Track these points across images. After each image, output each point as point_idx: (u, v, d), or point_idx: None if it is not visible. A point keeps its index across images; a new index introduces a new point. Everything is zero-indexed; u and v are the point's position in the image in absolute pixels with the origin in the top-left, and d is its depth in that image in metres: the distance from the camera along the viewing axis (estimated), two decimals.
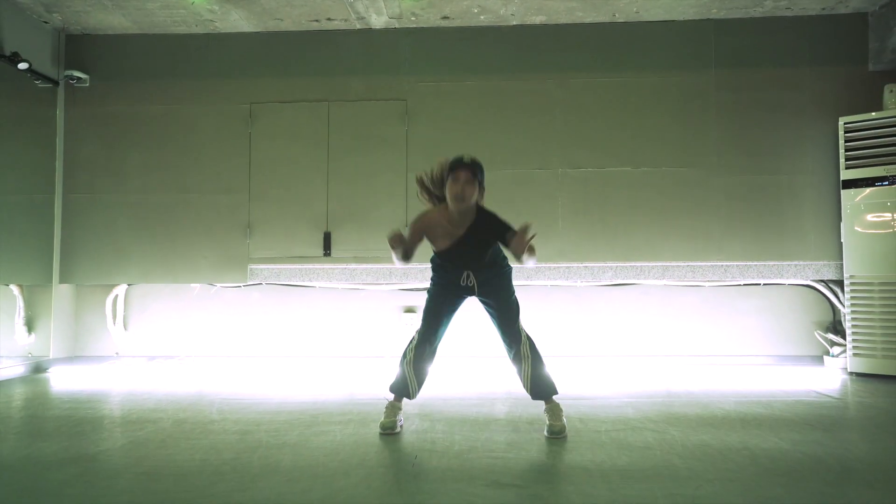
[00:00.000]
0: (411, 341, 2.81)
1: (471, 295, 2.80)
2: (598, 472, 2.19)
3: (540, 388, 2.73)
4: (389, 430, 2.71)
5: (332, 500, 1.95)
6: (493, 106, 4.82)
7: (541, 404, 2.81)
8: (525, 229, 2.49)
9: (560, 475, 2.18)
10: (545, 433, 2.65)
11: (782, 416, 3.05)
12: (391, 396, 2.83)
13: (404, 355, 2.80)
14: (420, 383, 2.80)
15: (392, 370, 2.90)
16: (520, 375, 2.75)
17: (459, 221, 2.65)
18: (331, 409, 3.30)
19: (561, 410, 2.72)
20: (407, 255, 2.70)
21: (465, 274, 2.73)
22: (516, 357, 2.75)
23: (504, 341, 2.79)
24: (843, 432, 2.75)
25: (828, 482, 2.08)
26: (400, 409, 2.82)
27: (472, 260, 2.72)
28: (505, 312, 2.77)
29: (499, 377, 4.22)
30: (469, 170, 2.60)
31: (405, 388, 2.79)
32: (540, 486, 2.08)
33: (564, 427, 2.65)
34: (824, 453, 2.40)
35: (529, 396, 2.79)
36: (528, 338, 2.77)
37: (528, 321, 4.90)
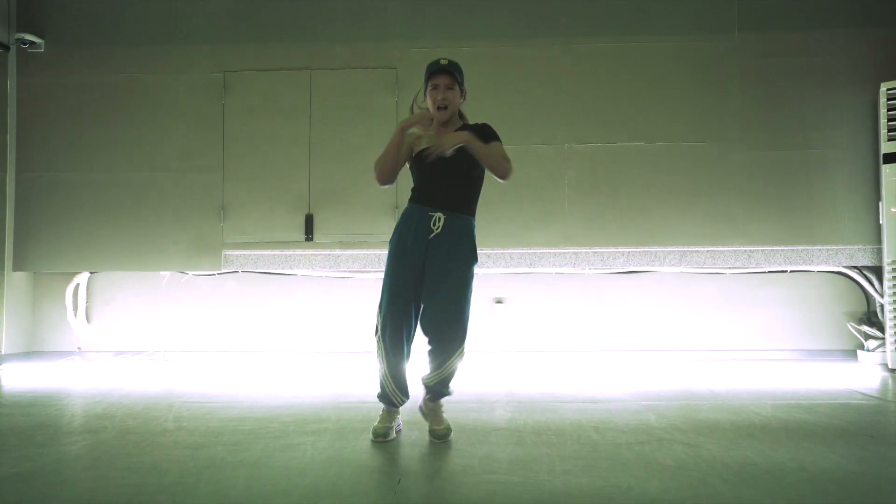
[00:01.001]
0: (379, 337, 2.41)
1: (427, 256, 2.35)
2: (627, 501, 1.75)
3: (440, 391, 2.42)
4: (381, 439, 2.37)
5: None
6: (491, 74, 4.36)
7: (543, 409, 2.49)
8: None
9: None
10: (431, 437, 2.39)
11: (831, 423, 2.62)
12: (381, 406, 2.49)
13: (378, 357, 2.44)
14: (401, 387, 2.42)
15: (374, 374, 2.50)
16: (429, 369, 2.40)
17: (444, 129, 2.42)
18: (306, 414, 2.86)
19: (442, 410, 2.46)
20: (398, 166, 2.42)
21: (436, 217, 2.34)
22: (442, 355, 2.35)
23: (432, 334, 2.36)
24: None
25: None
26: (397, 413, 2.49)
27: (451, 180, 2.36)
28: (451, 300, 2.33)
29: (498, 375, 3.79)
30: (448, 74, 2.38)
31: (388, 398, 2.44)
32: None
33: (449, 428, 2.40)
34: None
35: (425, 389, 2.44)
36: (463, 356, 2.40)
37: (531, 313, 4.56)
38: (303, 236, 4.39)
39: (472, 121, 2.51)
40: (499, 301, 4.47)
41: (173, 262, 4.45)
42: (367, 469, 2.09)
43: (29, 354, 4.51)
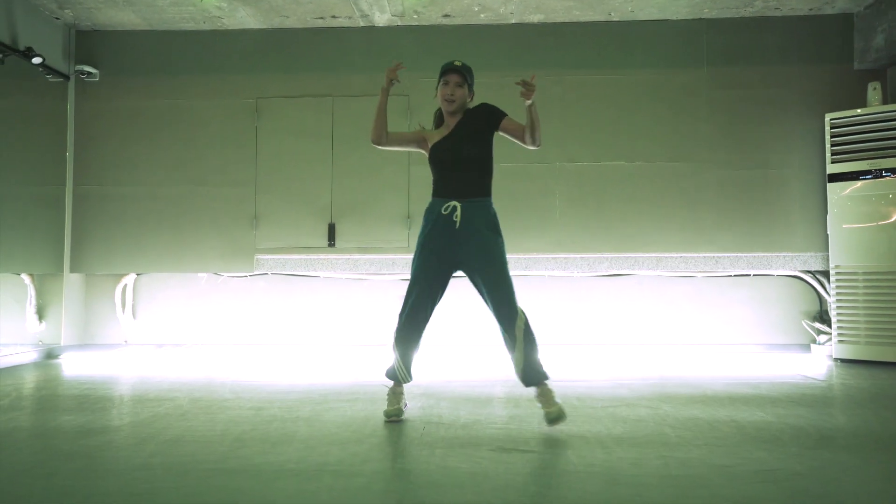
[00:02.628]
0: (398, 319, 2.68)
1: (457, 253, 2.55)
2: (595, 441, 2.35)
3: (531, 374, 2.54)
4: (395, 417, 2.62)
5: (349, 462, 2.10)
6: (491, 101, 4.90)
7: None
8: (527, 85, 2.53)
9: (560, 442, 2.34)
10: (545, 421, 2.50)
11: (769, 395, 3.22)
12: (389, 382, 2.74)
13: (394, 337, 2.70)
14: (408, 367, 2.66)
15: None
16: (512, 359, 2.58)
17: (451, 122, 2.69)
18: (339, 389, 3.45)
19: (553, 394, 2.53)
20: (384, 123, 2.72)
21: (451, 205, 2.53)
22: (510, 338, 2.55)
23: (497, 319, 2.57)
24: (824, 408, 2.92)
25: (807, 447, 2.25)
26: (402, 393, 2.72)
27: (464, 166, 2.57)
28: (498, 284, 2.53)
29: (497, 364, 4.37)
30: (459, 73, 2.62)
31: (394, 374, 2.69)
32: (542, 451, 2.23)
33: (561, 410, 2.48)
34: (806, 424, 2.57)
35: (523, 380, 2.58)
36: (526, 319, 2.56)
37: (527, 309, 5.10)
38: (326, 242, 4.98)
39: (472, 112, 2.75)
40: None
41: (210, 265, 5.04)
42: (398, 422, 2.67)
43: (83, 346, 5.08)
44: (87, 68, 5.01)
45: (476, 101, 2.79)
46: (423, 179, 4.85)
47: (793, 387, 3.45)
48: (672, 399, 3.11)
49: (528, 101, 2.54)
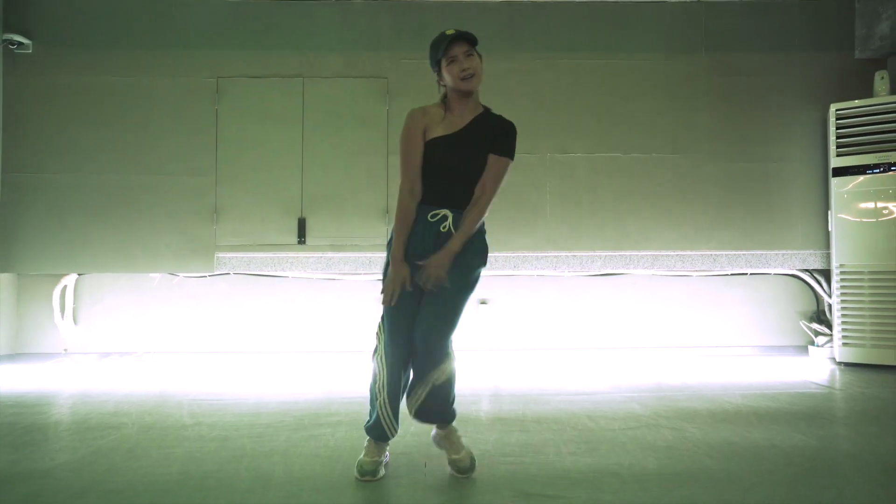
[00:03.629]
0: (378, 370, 2.08)
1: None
2: (630, 478, 2.00)
3: (437, 411, 2.08)
4: (370, 477, 2.00)
5: None
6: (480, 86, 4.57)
7: (536, 401, 2.51)
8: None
9: (590, 482, 1.98)
10: (448, 469, 2.07)
11: (792, 409, 2.95)
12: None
13: (375, 394, 2.10)
14: (397, 417, 2.09)
15: (365, 400, 2.25)
16: (414, 389, 2.07)
17: (462, 110, 2.12)
18: (315, 408, 3.02)
19: (459, 436, 2.12)
20: (415, 190, 2.07)
21: (442, 214, 2.06)
22: (424, 370, 2.04)
23: (421, 349, 2.02)
24: (861, 426, 2.66)
25: (873, 481, 1.95)
26: (386, 446, 2.14)
27: (462, 174, 2.07)
28: (451, 300, 2.03)
29: (484, 372, 4.02)
30: (465, 41, 2.07)
31: (382, 430, 2.07)
32: (574, 496, 1.87)
33: (471, 456, 2.06)
34: (856, 450, 2.29)
35: (417, 414, 2.08)
36: (453, 356, 2.09)
37: (514, 313, 4.81)
38: (295, 239, 4.52)
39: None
40: (483, 302, 4.69)
41: (165, 264, 4.50)
42: (393, 454, 2.26)
43: (14, 356, 4.48)
44: (18, 38, 4.38)
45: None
46: None
47: (813, 398, 3.19)
48: (693, 417, 2.80)
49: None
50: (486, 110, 2.18)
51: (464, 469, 2.03)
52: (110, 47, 4.52)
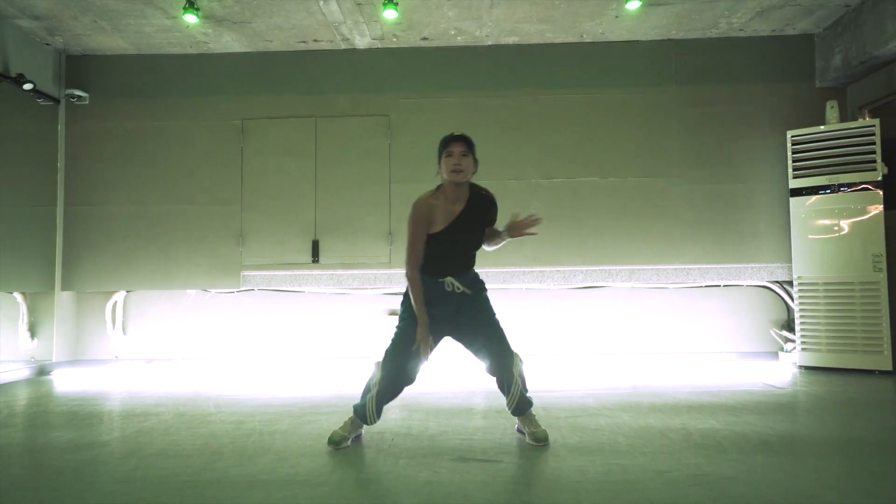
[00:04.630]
0: (377, 375, 2.63)
1: (458, 308, 2.61)
2: (549, 449, 2.51)
3: (523, 406, 2.65)
4: (335, 445, 2.56)
5: (317, 472, 2.26)
6: (470, 120, 5.15)
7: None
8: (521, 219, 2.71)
9: (517, 452, 2.50)
10: (528, 440, 2.60)
11: (726, 403, 3.39)
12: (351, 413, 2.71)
13: (369, 388, 2.65)
14: (379, 415, 2.67)
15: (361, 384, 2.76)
16: (507, 394, 2.64)
17: (455, 197, 2.58)
18: (318, 402, 3.60)
19: (535, 417, 2.69)
20: (418, 267, 2.61)
21: (447, 282, 2.59)
22: (506, 378, 2.62)
23: (493, 365, 2.62)
24: (774, 415, 3.09)
25: (744, 452, 2.42)
26: (360, 428, 2.69)
27: (464, 250, 2.62)
28: (496, 331, 2.65)
29: (476, 377, 4.53)
30: (463, 142, 2.56)
31: (364, 416, 2.64)
32: (498, 461, 2.39)
33: (545, 432, 2.61)
34: (750, 431, 2.74)
35: (510, 412, 2.67)
36: (521, 361, 2.67)
37: (505, 323, 5.27)
38: (310, 258, 5.15)
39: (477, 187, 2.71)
40: None
41: (198, 282, 5.19)
42: (368, 433, 2.82)
43: (74, 362, 5.22)
44: (77, 92, 5.17)
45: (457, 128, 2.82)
46: (404, 197, 5.06)
47: (751, 394, 3.62)
48: (633, 408, 3.28)
49: (507, 237, 2.74)
50: (472, 191, 2.66)
51: (541, 438, 2.57)
52: (151, 97, 5.27)
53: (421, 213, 2.56)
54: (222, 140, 5.24)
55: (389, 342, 2.67)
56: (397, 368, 2.59)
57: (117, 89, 5.29)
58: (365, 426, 2.71)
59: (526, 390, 2.67)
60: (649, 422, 2.96)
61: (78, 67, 5.29)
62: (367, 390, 2.66)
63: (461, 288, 2.60)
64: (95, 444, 2.72)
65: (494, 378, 2.66)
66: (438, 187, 2.64)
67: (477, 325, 2.64)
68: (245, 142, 5.24)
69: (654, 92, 5.16)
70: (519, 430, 2.73)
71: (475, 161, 2.62)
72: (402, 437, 2.76)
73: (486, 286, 2.75)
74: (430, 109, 5.20)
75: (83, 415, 3.35)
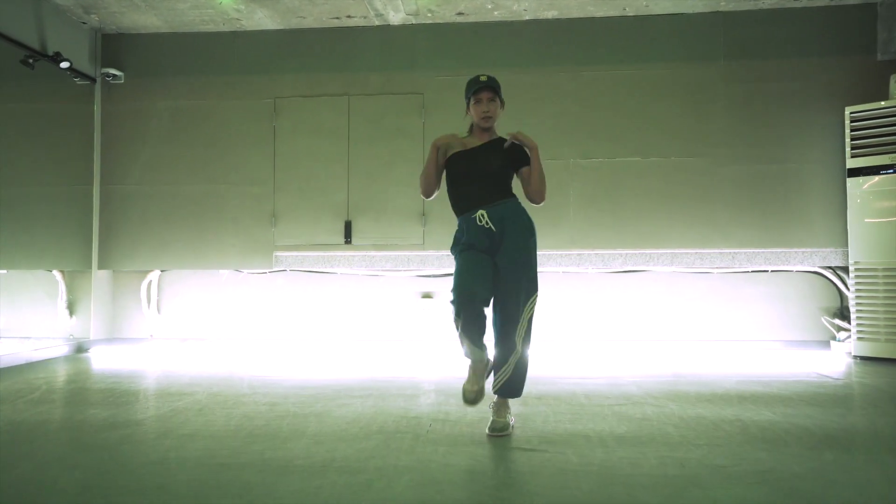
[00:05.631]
0: (453, 317, 2.46)
1: (491, 246, 2.47)
2: (597, 439, 2.39)
3: (511, 389, 2.50)
4: (473, 402, 2.48)
5: (354, 458, 2.18)
6: (506, 98, 4.89)
7: (546, 382, 2.89)
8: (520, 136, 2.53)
9: (562, 441, 2.38)
10: (486, 430, 2.46)
11: (780, 394, 3.21)
12: (467, 362, 2.53)
13: (455, 325, 2.47)
14: (478, 345, 2.49)
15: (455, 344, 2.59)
16: (496, 368, 2.50)
17: (479, 138, 2.62)
18: (352, 384, 3.54)
19: (508, 407, 2.54)
20: (436, 179, 2.60)
21: (478, 215, 2.47)
22: (506, 348, 2.48)
23: (498, 324, 2.49)
24: (834, 407, 2.91)
25: (809, 447, 2.25)
26: (482, 368, 2.51)
27: (483, 179, 2.52)
28: (519, 278, 2.47)
29: None
30: (490, 89, 2.58)
31: (465, 350, 2.51)
32: (542, 450, 2.28)
33: (508, 424, 2.48)
34: (811, 424, 2.57)
35: (492, 389, 2.51)
36: (527, 329, 2.51)
37: (540, 307, 5.14)
38: (342, 240, 5.08)
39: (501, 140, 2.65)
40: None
41: (231, 262, 5.17)
42: (405, 418, 2.74)
43: (111, 340, 5.27)
44: (113, 71, 5.16)
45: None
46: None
47: (806, 385, 3.43)
48: (680, 397, 3.13)
49: (527, 149, 2.56)
50: (499, 137, 2.64)
51: (496, 430, 2.43)
52: (185, 76, 5.23)
53: (439, 139, 2.62)
54: (255, 119, 5.18)
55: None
56: (461, 274, 2.45)
57: (151, 68, 5.27)
58: (487, 363, 2.54)
59: (525, 380, 2.52)
60: (700, 412, 2.80)
61: (113, 46, 5.27)
62: (455, 328, 2.48)
63: (489, 224, 2.48)
64: (130, 422, 2.69)
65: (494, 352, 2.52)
66: (470, 128, 2.68)
67: (504, 282, 2.48)
68: (277, 121, 5.17)
69: (700, 68, 4.91)
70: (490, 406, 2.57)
71: (502, 102, 2.65)
72: (441, 423, 2.67)
73: (535, 234, 2.58)
74: (464, 87, 5.02)
75: (119, 392, 3.34)
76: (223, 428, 2.59)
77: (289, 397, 3.20)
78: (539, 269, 4.89)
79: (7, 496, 1.85)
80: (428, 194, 2.64)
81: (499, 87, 2.62)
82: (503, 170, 2.57)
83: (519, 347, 2.48)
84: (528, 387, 3.37)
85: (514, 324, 2.47)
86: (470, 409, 2.88)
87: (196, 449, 2.30)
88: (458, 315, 2.42)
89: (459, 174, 2.57)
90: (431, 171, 2.59)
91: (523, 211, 2.58)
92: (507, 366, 2.47)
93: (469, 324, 2.42)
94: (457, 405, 2.98)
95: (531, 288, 2.52)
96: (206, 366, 4.27)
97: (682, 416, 2.72)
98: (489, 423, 2.49)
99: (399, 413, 2.84)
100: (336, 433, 2.51)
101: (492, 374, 2.53)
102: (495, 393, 2.51)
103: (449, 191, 2.63)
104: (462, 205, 2.56)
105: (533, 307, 2.52)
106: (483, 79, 2.59)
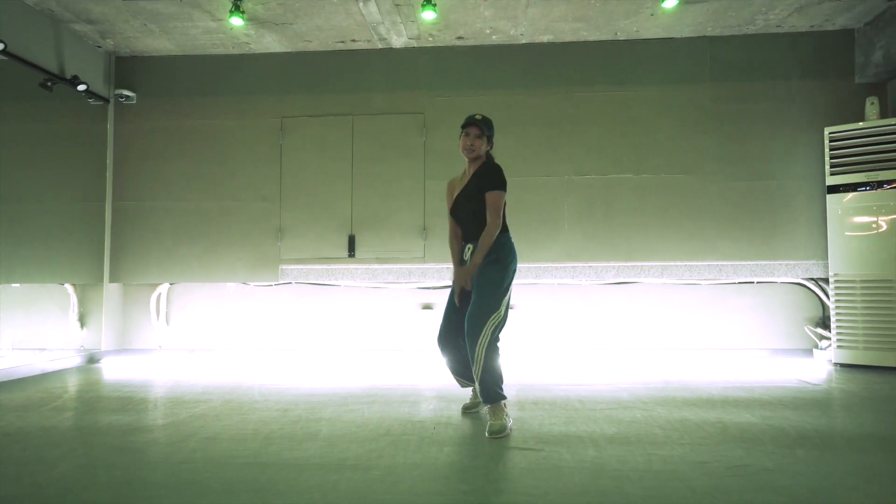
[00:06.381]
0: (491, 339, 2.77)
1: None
2: (589, 440, 2.58)
3: (486, 395, 2.73)
4: (500, 435, 2.65)
5: (366, 458, 2.37)
6: (504, 118, 5.21)
7: (541, 389, 3.13)
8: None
9: (556, 441, 2.58)
10: (486, 433, 2.66)
11: (761, 398, 3.41)
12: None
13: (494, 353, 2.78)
14: (462, 376, 3.05)
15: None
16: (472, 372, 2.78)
17: (471, 172, 2.94)
18: (357, 392, 3.72)
19: (502, 412, 2.72)
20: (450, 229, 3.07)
21: (467, 248, 2.91)
22: (470, 353, 2.72)
23: (464, 330, 2.74)
24: (810, 410, 3.11)
25: (783, 445, 2.46)
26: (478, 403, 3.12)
27: (467, 215, 2.88)
28: (476, 303, 2.72)
29: (510, 368, 4.61)
30: (478, 126, 2.88)
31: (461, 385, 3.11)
32: (538, 449, 2.48)
33: (504, 426, 2.66)
34: (787, 425, 2.77)
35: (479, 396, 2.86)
36: (489, 342, 2.70)
37: (537, 317, 5.40)
38: (346, 253, 5.28)
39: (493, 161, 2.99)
40: (510, 308, 5.29)
41: (238, 275, 5.36)
42: (410, 422, 2.93)
43: (121, 351, 5.44)
44: (126, 92, 5.38)
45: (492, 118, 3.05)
46: (438, 193, 5.16)
47: (786, 390, 3.63)
48: (668, 402, 3.33)
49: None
50: (482, 164, 2.94)
51: (492, 432, 2.63)
52: (196, 96, 5.45)
53: (448, 186, 3.09)
54: (262, 138, 5.40)
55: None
56: (441, 324, 2.97)
57: (163, 89, 5.48)
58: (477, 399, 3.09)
59: (498, 385, 2.74)
60: (685, 415, 3.00)
61: (126, 68, 5.50)
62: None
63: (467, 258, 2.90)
64: (152, 427, 2.88)
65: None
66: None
67: (476, 280, 2.81)
68: (284, 139, 5.38)
69: (689, 89, 5.16)
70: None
71: (489, 140, 2.94)
72: (444, 426, 2.86)
73: (500, 256, 2.82)
74: (464, 107, 5.26)
75: (135, 400, 3.52)
76: (241, 431, 2.77)
77: (299, 404, 3.39)
78: (535, 281, 5.19)
79: (53, 492, 2.04)
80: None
81: (489, 127, 2.91)
82: (479, 208, 2.84)
83: (481, 359, 2.70)
84: (525, 393, 3.58)
85: (475, 338, 2.69)
86: (469, 417, 3.08)
87: (219, 450, 2.49)
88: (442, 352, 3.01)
89: (457, 213, 2.98)
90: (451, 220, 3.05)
91: (500, 246, 2.84)
92: (474, 382, 2.88)
93: (446, 360, 3.01)
94: (458, 411, 3.18)
95: (492, 307, 2.73)
96: (216, 375, 4.44)
97: (667, 419, 2.92)
98: (487, 426, 2.70)
99: (404, 418, 3.03)
100: (347, 435, 2.70)
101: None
102: (483, 402, 2.82)
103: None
104: (463, 235, 2.99)
105: (494, 323, 2.73)
106: (478, 117, 2.91)
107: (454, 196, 2.99)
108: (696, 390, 3.67)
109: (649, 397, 3.47)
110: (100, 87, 5.29)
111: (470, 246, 2.88)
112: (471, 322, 2.69)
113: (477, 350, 2.68)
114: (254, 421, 2.98)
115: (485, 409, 2.80)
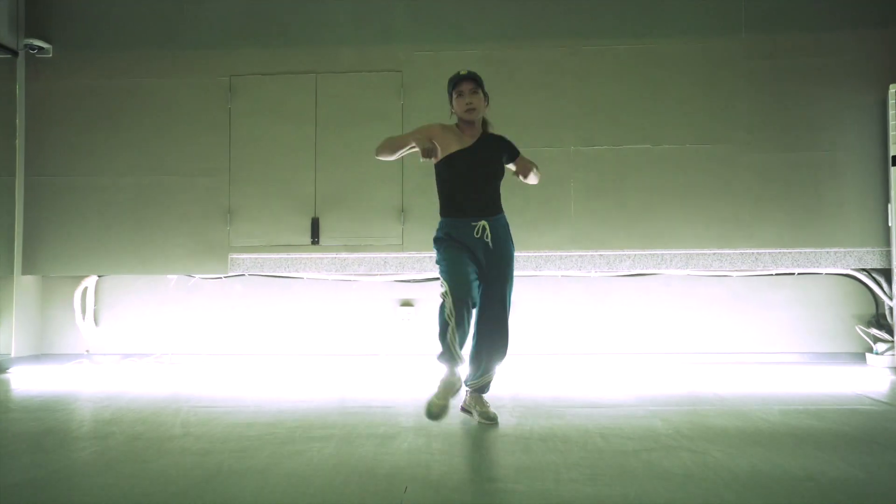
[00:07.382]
0: (445, 313, 2.55)
1: (483, 256, 2.65)
2: None
3: (485, 388, 2.77)
4: (437, 417, 2.56)
5: None
6: (497, 77, 4.30)
7: (549, 414, 2.74)
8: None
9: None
10: (477, 418, 2.70)
11: (840, 430, 2.61)
12: (443, 372, 2.60)
13: (443, 324, 2.56)
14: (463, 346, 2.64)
15: (435, 349, 2.63)
16: (481, 369, 2.71)
17: (470, 134, 2.72)
18: (312, 419, 2.88)
19: (485, 400, 2.78)
20: (397, 157, 2.82)
21: (479, 226, 2.63)
22: (496, 353, 2.70)
23: (487, 331, 2.68)
24: None
25: None
26: (455, 384, 2.58)
27: (484, 183, 2.69)
28: (509, 279, 2.71)
29: (504, 378, 3.80)
30: (471, 80, 2.66)
31: (451, 357, 2.58)
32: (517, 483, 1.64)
33: (496, 415, 2.73)
34: None
35: (470, 388, 2.74)
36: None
37: (537, 315, 4.58)
38: (309, 239, 4.42)
39: (491, 130, 2.81)
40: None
41: (180, 266, 4.49)
42: (373, 476, 2.09)
43: (38, 357, 4.56)
44: (39, 42, 4.47)
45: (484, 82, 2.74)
46: (420, 169, 4.25)
47: (866, 416, 2.84)
48: (720, 437, 2.51)
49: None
50: (485, 132, 2.78)
51: (493, 417, 2.68)
52: (126, 49, 4.55)
53: (435, 127, 2.73)
54: (207, 100, 4.51)
55: (441, 273, 2.66)
56: (457, 273, 2.58)
57: (85, 40, 4.57)
58: (460, 383, 2.63)
59: (495, 370, 2.77)
60: (754, 463, 2.18)
61: (39, 13, 4.57)
62: (443, 326, 2.56)
63: (488, 239, 2.65)
64: (21, 482, 2.00)
65: (479, 350, 2.69)
66: (456, 126, 2.76)
67: (492, 293, 2.68)
68: (233, 102, 4.50)
69: (719, 42, 4.34)
70: (464, 410, 2.77)
71: (486, 96, 2.72)
72: (420, 483, 2.02)
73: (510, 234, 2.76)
74: (449, 64, 4.27)
75: (8, 436, 2.65)
76: (121, 500, 1.91)
77: (229, 441, 2.53)
78: (535, 273, 4.39)
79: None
80: (380, 157, 2.80)
81: (481, 80, 2.69)
82: (499, 177, 2.74)
83: (505, 355, 2.73)
84: (531, 422, 2.82)
85: (503, 331, 2.69)
86: (457, 461, 2.25)
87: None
88: (451, 313, 2.52)
89: (459, 174, 2.66)
90: (400, 148, 2.72)
91: (508, 224, 2.77)
92: (493, 370, 2.73)
93: (460, 326, 2.54)
94: (440, 454, 2.33)
95: (510, 296, 2.76)
96: (147, 389, 3.65)
97: (734, 472, 2.10)
98: (479, 413, 2.70)
99: (367, 466, 2.19)
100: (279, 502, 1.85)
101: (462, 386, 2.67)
102: (475, 391, 2.75)
103: (444, 188, 2.71)
104: (461, 207, 2.66)
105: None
106: (463, 72, 2.68)
107: (456, 145, 2.68)
108: (747, 416, 2.86)
109: (692, 428, 2.66)
110: (4, 36, 4.39)
111: (483, 224, 2.64)
112: (508, 303, 2.71)
113: (506, 345, 2.72)
114: (152, 475, 2.11)
115: (466, 403, 2.78)
